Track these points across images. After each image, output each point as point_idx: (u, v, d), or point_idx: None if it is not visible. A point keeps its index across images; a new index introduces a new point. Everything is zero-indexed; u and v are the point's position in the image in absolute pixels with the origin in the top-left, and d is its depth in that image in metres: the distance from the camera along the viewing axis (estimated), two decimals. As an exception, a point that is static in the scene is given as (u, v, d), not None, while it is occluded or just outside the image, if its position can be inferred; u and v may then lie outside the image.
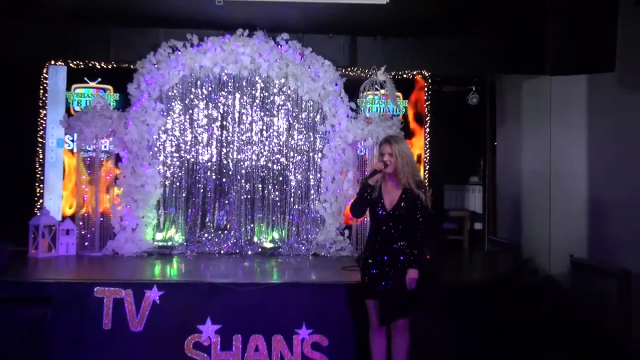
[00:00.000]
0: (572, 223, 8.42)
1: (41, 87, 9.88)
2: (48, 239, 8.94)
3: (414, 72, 10.13)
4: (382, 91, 9.78)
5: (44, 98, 9.90)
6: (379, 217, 5.64)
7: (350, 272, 7.18)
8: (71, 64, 10.01)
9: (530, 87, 9.91)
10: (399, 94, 9.98)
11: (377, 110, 10.09)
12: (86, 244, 9.33)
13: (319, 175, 9.83)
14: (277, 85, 9.89)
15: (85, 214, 9.46)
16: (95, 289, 6.70)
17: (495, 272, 8.87)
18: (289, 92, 9.90)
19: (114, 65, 10.01)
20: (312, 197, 9.83)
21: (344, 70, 9.88)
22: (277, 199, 9.88)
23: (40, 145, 9.84)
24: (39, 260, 8.59)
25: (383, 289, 5.55)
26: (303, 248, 9.38)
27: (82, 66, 10.02)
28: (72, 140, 9.88)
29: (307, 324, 6.46)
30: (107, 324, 6.63)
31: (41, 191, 9.88)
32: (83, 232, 9.35)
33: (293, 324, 6.48)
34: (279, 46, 9.63)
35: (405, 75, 10.13)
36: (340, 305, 6.50)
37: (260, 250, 9.48)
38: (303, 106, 9.90)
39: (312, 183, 9.87)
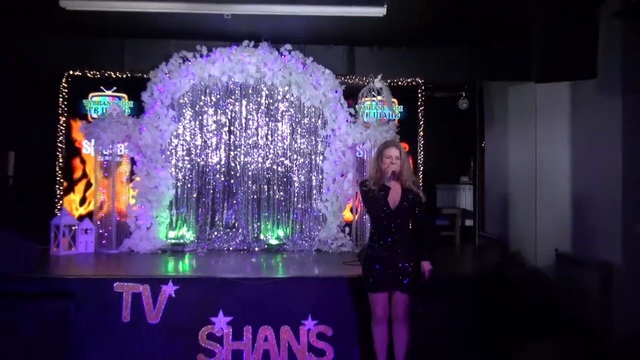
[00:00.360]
0: (557, 219, 8.47)
1: (60, 95, 9.90)
2: (68, 238, 8.94)
3: (408, 80, 10.12)
4: (379, 97, 9.79)
5: (62, 105, 9.91)
6: (383, 215, 5.63)
7: (351, 267, 7.24)
8: (88, 74, 10.02)
9: (516, 92, 9.94)
10: (394, 100, 9.97)
11: (374, 115, 10.06)
12: (103, 242, 9.36)
13: (320, 176, 9.85)
14: (281, 93, 9.92)
15: (102, 214, 9.49)
16: (114, 284, 6.74)
17: (484, 266, 8.76)
18: (292, 99, 9.92)
19: (128, 75, 10.03)
20: (314, 196, 9.85)
21: (343, 78, 9.89)
22: (282, 198, 9.89)
23: (59, 149, 9.88)
24: (60, 257, 8.60)
25: (395, 282, 5.56)
26: (306, 244, 9.39)
27: (98, 76, 10.04)
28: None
29: (312, 315, 6.48)
30: (127, 316, 6.66)
31: (61, 193, 9.91)
32: (100, 231, 9.37)
33: (299, 315, 6.52)
34: (283, 56, 9.65)
35: (400, 83, 10.12)
36: (343, 297, 6.52)
37: (266, 246, 9.52)
38: (305, 112, 9.92)
39: (314, 184, 9.88)
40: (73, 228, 9.04)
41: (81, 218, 9.62)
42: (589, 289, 7.17)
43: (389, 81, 9.83)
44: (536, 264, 8.76)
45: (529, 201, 9.22)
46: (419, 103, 10.23)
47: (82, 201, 10.12)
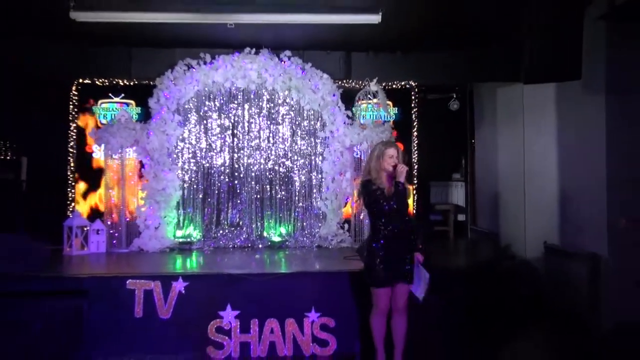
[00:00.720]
0: (545, 213, 8.57)
1: (71, 102, 9.92)
2: (81, 238, 9.01)
3: (402, 83, 10.13)
4: (375, 100, 9.77)
5: (73, 112, 9.94)
6: (387, 212, 5.61)
7: (350, 261, 7.25)
8: (97, 82, 10.02)
9: (505, 93, 10.00)
10: (389, 102, 9.95)
11: (370, 117, 10.04)
12: (114, 242, 9.40)
13: (320, 176, 9.82)
14: (281, 97, 9.89)
15: (112, 216, 9.55)
16: (127, 282, 6.78)
17: (477, 259, 8.80)
18: (292, 102, 9.90)
19: (136, 82, 10.05)
20: (314, 195, 9.81)
21: (340, 82, 9.89)
22: (284, 197, 9.86)
23: (71, 154, 9.90)
24: (73, 257, 8.66)
25: (405, 274, 5.57)
26: (307, 241, 9.39)
27: (107, 83, 10.05)
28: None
29: (315, 307, 6.52)
30: (139, 312, 6.71)
31: (73, 195, 9.92)
32: (111, 232, 9.41)
33: (303, 308, 6.55)
34: (282, 62, 9.66)
35: (394, 86, 10.11)
36: (344, 290, 6.56)
37: (269, 243, 9.52)
38: (305, 115, 9.90)
39: (314, 183, 9.84)
40: (85, 229, 9.09)
41: (92, 217, 9.63)
42: (577, 281, 7.22)
43: (384, 84, 9.82)
44: (526, 257, 8.75)
45: (518, 196, 9.23)
46: (413, 105, 10.18)
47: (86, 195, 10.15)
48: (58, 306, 6.84)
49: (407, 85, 10.19)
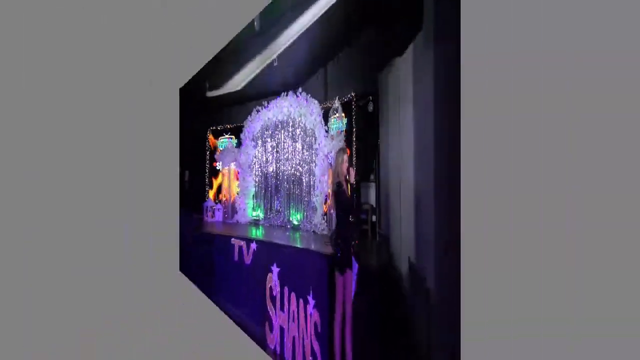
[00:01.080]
0: (410, 222, 5.54)
1: (207, 140, 12.34)
2: (211, 212, 11.59)
3: (348, 95, 9.01)
4: (336, 115, 9.34)
5: (207, 145, 12.36)
6: (351, 210, 5.57)
7: (328, 246, 6.47)
8: (218, 128, 12.45)
9: (390, 74, 6.95)
10: (342, 114, 9.15)
11: (335, 129, 9.42)
12: (226, 215, 11.61)
13: (313, 178, 10.11)
14: (297, 122, 10.65)
15: (225, 201, 11.77)
16: (231, 239, 8.59)
17: (374, 264, 6.84)
18: (302, 125, 10.58)
19: (235, 125, 12.13)
20: (311, 192, 10.10)
21: (323, 103, 9.91)
22: (298, 194, 10.60)
23: (207, 168, 12.45)
24: (208, 223, 11.07)
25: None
26: (309, 226, 9.78)
27: (222, 127, 12.45)
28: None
29: (312, 293, 6.21)
30: (236, 258, 8.36)
31: (207, 190, 12.30)
32: (224, 209, 11.63)
33: (306, 289, 6.49)
34: (297, 97, 10.41)
35: (344, 99, 9.01)
36: (324, 272, 6.07)
37: (293, 225, 10.27)
38: (307, 133, 10.47)
39: (311, 183, 10.22)
40: (213, 207, 11.60)
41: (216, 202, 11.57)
42: (419, 307, 5.05)
43: (342, 99, 8.92)
44: (401, 273, 6.01)
45: (394, 199, 6.68)
46: (353, 113, 8.93)
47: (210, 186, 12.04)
48: (204, 250, 9.06)
49: (350, 96, 8.99)
